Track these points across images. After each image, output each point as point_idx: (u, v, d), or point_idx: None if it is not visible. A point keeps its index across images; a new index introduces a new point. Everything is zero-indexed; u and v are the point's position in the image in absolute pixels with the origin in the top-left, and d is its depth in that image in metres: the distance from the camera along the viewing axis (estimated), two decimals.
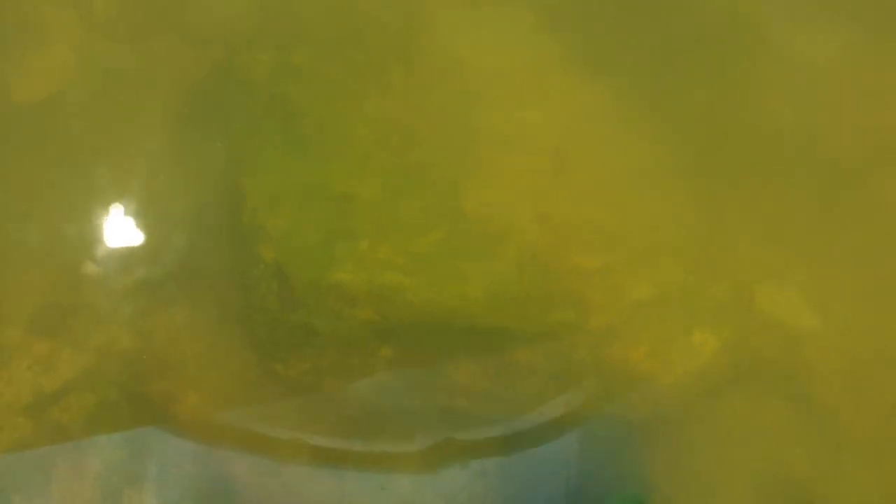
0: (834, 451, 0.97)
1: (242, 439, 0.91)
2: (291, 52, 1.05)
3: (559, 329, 0.98)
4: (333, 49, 1.06)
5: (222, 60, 1.04)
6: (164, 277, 0.96)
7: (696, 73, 1.14)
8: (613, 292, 1.02)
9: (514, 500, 0.95)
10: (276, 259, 0.93)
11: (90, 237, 0.99)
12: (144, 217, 0.99)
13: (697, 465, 0.96)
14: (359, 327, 0.94)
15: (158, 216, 0.99)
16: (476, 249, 0.99)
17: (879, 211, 1.06)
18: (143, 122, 1.07)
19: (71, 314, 0.94)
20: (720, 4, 1.18)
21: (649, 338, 1.02)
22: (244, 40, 1.09)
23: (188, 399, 0.92)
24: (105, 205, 1.01)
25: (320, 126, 1.01)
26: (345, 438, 0.93)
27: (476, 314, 0.96)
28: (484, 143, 1.05)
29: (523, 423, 0.97)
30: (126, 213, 1.00)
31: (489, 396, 0.97)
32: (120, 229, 0.99)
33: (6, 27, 1.13)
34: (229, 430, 0.91)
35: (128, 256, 0.98)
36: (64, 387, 0.91)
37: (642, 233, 1.07)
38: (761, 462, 0.97)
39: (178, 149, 1.03)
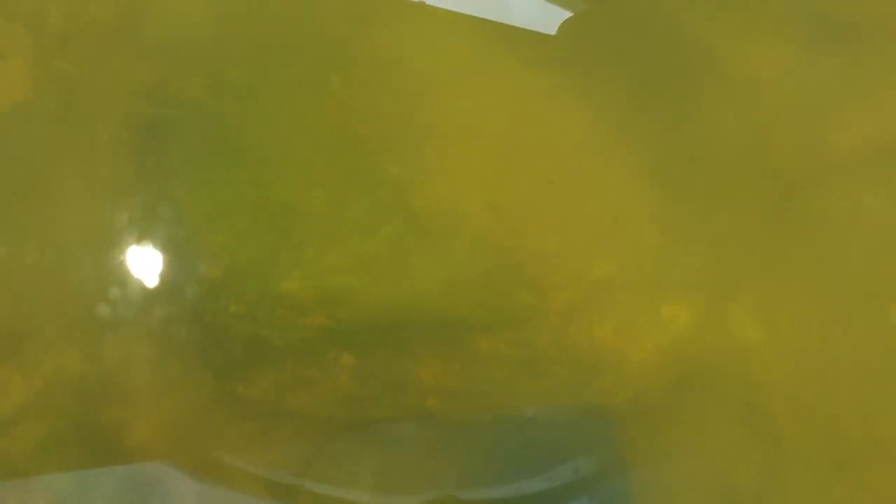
0: (778, 465, 0.96)
1: (200, 469, 0.90)
2: (225, 69, 1.05)
3: (518, 314, 0.97)
4: (268, 65, 1.06)
5: (156, 83, 1.04)
6: (112, 301, 0.96)
7: (648, 76, 1.13)
8: (571, 272, 1.01)
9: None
10: (220, 275, 0.92)
11: (38, 260, 0.99)
12: (91, 238, 0.99)
13: (650, 474, 0.95)
14: (314, 336, 0.93)
15: (103, 238, 0.99)
16: (427, 243, 0.98)
17: (824, 224, 1.05)
18: (95, 141, 1.06)
19: (21, 340, 0.93)
20: (666, 20, 1.17)
21: (614, 314, 1.01)
22: (186, 59, 1.09)
23: (140, 428, 0.91)
24: (55, 225, 1.01)
25: (258, 140, 1.01)
26: (314, 466, 0.92)
27: (431, 307, 0.95)
28: (429, 140, 1.05)
29: (496, 421, 0.96)
30: (73, 235, 0.99)
31: (459, 394, 0.96)
32: (68, 251, 0.98)
33: None
34: (186, 460, 0.90)
35: (75, 280, 0.97)
36: (12, 415, 0.91)
37: (597, 212, 1.06)
38: (709, 473, 0.96)
39: (121, 170, 1.02)
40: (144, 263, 0.97)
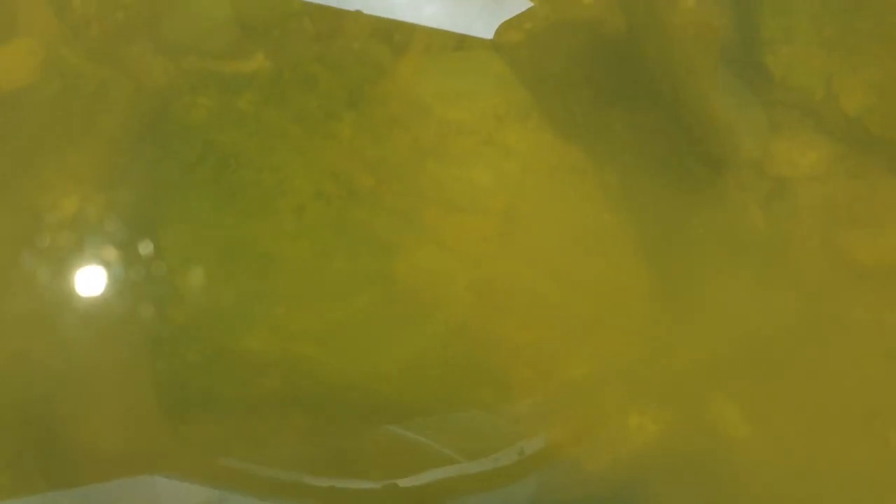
0: None
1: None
2: (236, 96, 1.02)
3: (478, 409, 0.96)
4: (282, 94, 1.03)
5: (164, 90, 1.01)
6: (74, 313, 0.95)
7: (668, 161, 1.09)
8: (543, 369, 0.99)
9: None
10: (183, 321, 0.92)
11: (14, 248, 0.98)
12: (66, 246, 0.98)
13: None
14: (267, 395, 0.93)
15: (80, 247, 0.98)
16: (400, 320, 0.96)
17: (839, 337, 1.01)
18: (95, 136, 1.05)
19: None
20: (695, 106, 1.12)
21: (578, 420, 0.99)
22: (199, 72, 1.06)
23: (86, 430, 0.91)
24: (35, 219, 0.99)
25: (255, 176, 0.99)
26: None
27: (389, 391, 0.94)
28: (429, 204, 1.02)
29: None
30: (54, 235, 0.99)
31: (400, 471, 0.96)
32: (45, 247, 0.97)
33: None
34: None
35: (41, 283, 0.97)
36: None
37: (585, 307, 1.03)
38: None
39: (111, 179, 1.01)
40: (116, 286, 0.96)
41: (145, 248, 0.94)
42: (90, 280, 0.97)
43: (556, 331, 1.01)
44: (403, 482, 0.95)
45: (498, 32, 1.20)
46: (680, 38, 1.12)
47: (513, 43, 1.19)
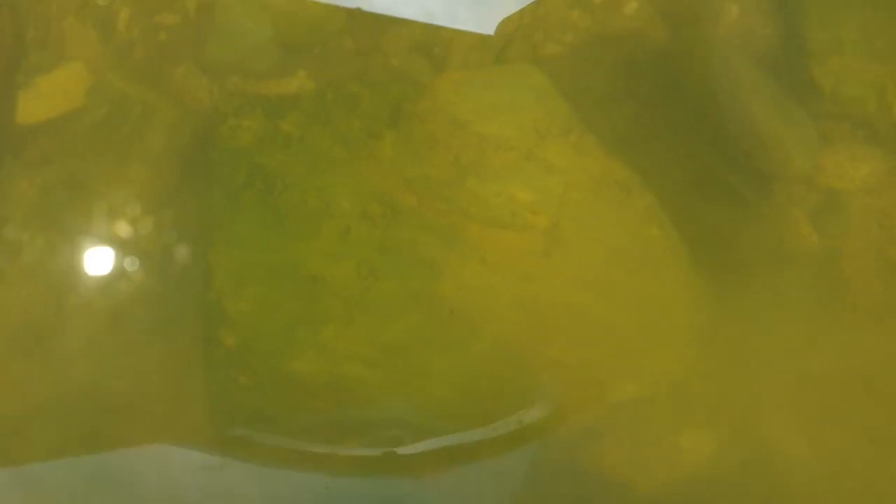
0: None
1: None
2: (280, 118, 1.02)
3: (530, 430, 0.96)
4: (325, 114, 1.03)
5: (205, 126, 1.02)
6: (126, 337, 0.96)
7: (715, 175, 1.08)
8: (594, 390, 0.98)
9: None
10: (236, 345, 0.92)
11: (70, 268, 0.99)
12: (117, 268, 0.99)
13: None
14: (318, 418, 0.93)
15: (131, 270, 0.99)
16: (447, 340, 0.96)
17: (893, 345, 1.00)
18: (142, 159, 1.06)
19: (48, 338, 0.94)
20: (740, 117, 1.10)
21: (630, 441, 0.98)
22: (242, 95, 1.07)
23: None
24: (88, 241, 1.01)
25: (301, 198, 0.99)
26: None
27: (440, 413, 0.94)
28: (472, 221, 1.02)
29: None
30: (106, 256, 1.00)
31: (452, 492, 0.96)
32: (99, 267, 0.98)
33: (26, 40, 1.11)
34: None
35: (101, 299, 0.98)
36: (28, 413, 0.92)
37: (633, 324, 1.03)
38: None
39: (160, 202, 1.02)
40: (171, 309, 0.97)
41: (195, 271, 0.95)
42: (142, 303, 0.98)
43: (605, 349, 1.00)
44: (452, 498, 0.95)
45: (538, 45, 1.19)
46: (724, 50, 1.10)
47: (553, 56, 1.18)
